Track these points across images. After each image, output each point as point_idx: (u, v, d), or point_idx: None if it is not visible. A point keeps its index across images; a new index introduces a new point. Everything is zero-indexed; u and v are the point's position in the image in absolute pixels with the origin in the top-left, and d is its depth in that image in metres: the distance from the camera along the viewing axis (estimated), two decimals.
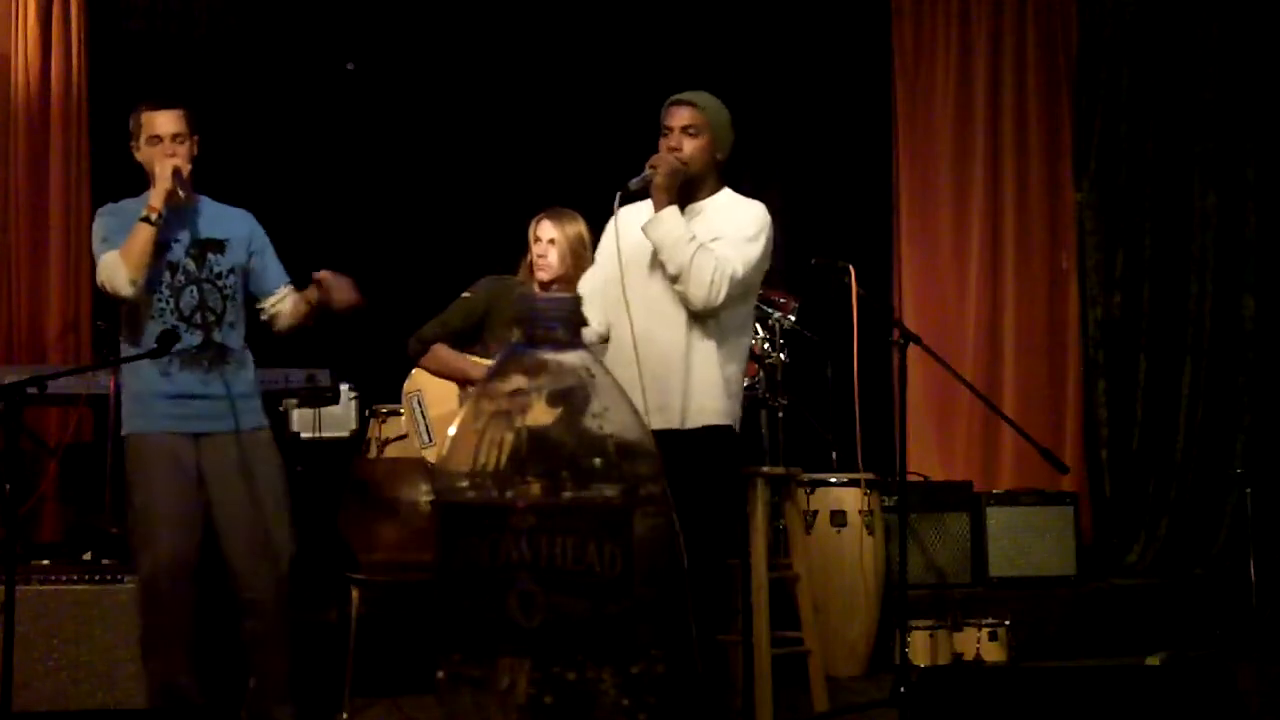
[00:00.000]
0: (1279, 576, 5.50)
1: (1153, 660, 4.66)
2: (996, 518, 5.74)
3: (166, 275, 3.73)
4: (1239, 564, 5.77)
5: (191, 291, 3.75)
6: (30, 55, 5.83)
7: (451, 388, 4.40)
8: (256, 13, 6.28)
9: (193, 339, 3.73)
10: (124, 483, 3.78)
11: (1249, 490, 5.57)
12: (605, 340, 3.56)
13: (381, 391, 5.14)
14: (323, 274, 3.78)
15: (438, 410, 4.48)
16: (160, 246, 3.69)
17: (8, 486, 3.52)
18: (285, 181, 5.92)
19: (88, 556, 4.47)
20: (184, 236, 3.76)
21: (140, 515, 3.71)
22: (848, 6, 6.83)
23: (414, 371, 4.49)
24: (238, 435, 3.77)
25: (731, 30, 6.60)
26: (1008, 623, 5.05)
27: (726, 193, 3.58)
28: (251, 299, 3.91)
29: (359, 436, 5.38)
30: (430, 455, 4.43)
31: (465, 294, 4.39)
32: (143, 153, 3.75)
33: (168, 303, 3.73)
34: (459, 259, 5.02)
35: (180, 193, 3.68)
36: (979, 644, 4.99)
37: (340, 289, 3.77)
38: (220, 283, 3.79)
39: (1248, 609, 5.37)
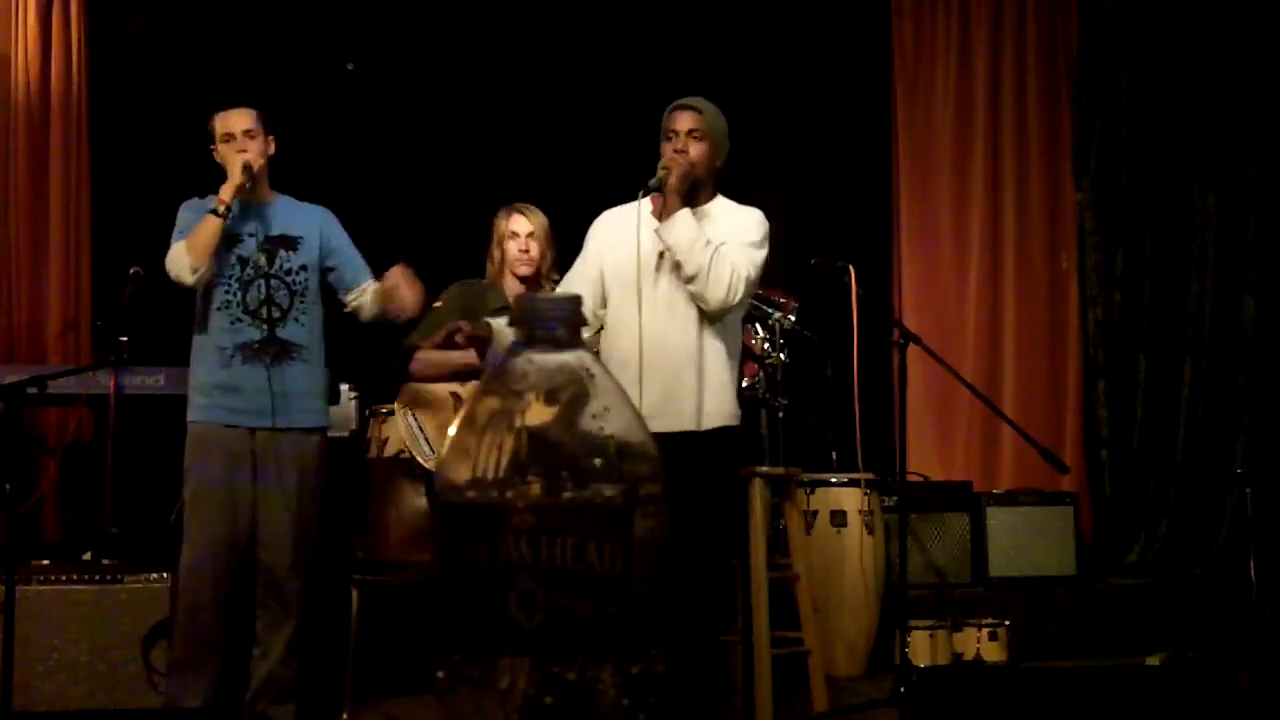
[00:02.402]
0: (1279, 576, 5.50)
1: (1153, 660, 4.66)
2: (996, 518, 5.74)
3: (236, 268, 3.82)
4: (1239, 564, 5.77)
5: (259, 286, 3.83)
6: (30, 55, 5.82)
7: (444, 396, 4.39)
8: (256, 13, 6.28)
9: (256, 333, 3.81)
10: (175, 471, 3.87)
11: (1249, 490, 5.57)
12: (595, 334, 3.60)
13: (381, 391, 5.12)
14: (394, 272, 3.85)
15: (434, 421, 4.46)
16: (232, 239, 3.80)
17: (8, 486, 3.54)
18: (284, 182, 5.91)
19: (88, 556, 4.47)
20: (257, 231, 3.86)
21: (189, 504, 3.80)
22: (848, 6, 6.83)
23: (403, 386, 4.48)
24: (291, 433, 3.83)
25: (731, 30, 6.60)
26: (1008, 623, 5.06)
27: (721, 199, 3.63)
28: (333, 292, 3.99)
29: (359, 436, 5.37)
30: (434, 467, 4.41)
31: (435, 304, 4.39)
32: (219, 152, 3.86)
33: (234, 295, 3.81)
34: (460, 257, 5.01)
35: (249, 184, 3.77)
36: (979, 644, 4.99)
37: (402, 289, 3.83)
38: (289, 279, 3.87)
39: (1248, 609, 5.37)
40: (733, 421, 3.55)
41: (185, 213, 3.86)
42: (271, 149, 3.90)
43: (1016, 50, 6.71)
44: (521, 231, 4.29)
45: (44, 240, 5.82)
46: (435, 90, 6.45)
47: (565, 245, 4.09)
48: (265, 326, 3.82)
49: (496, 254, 4.37)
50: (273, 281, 3.84)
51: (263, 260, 3.84)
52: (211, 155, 3.88)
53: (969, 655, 5.00)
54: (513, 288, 4.35)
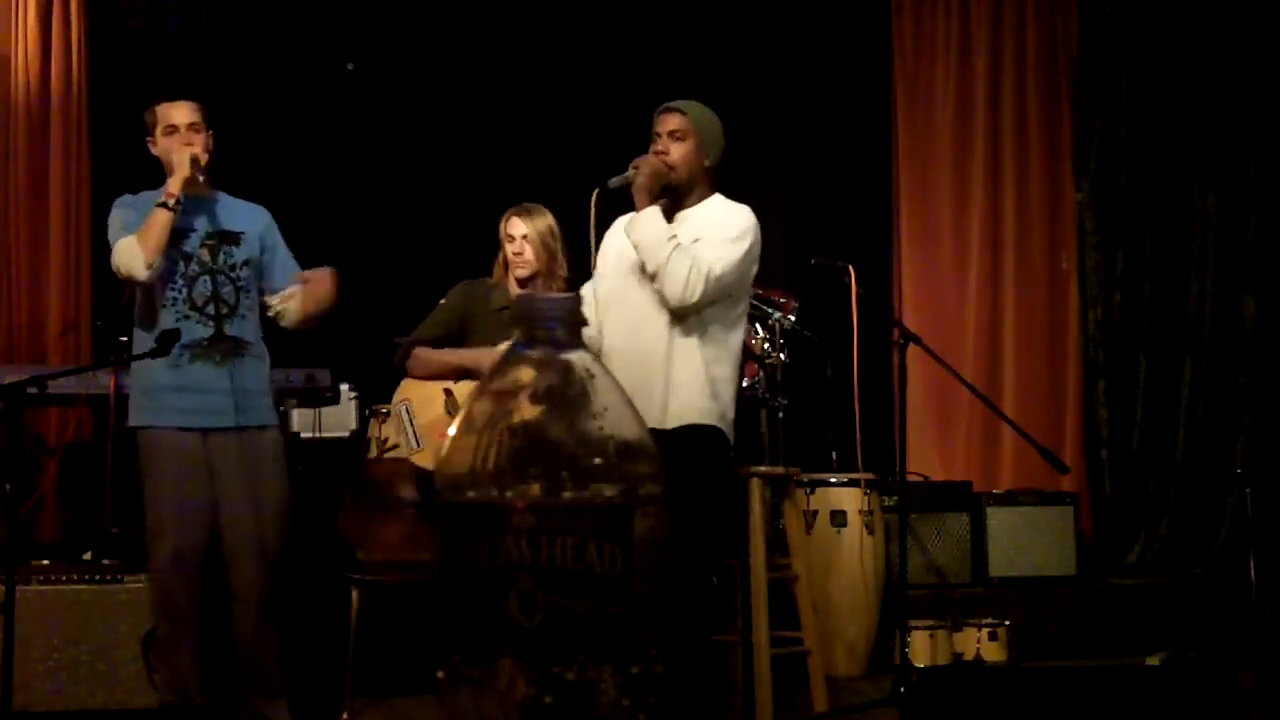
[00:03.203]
0: (1279, 576, 5.49)
1: (1153, 660, 4.66)
2: (996, 518, 5.74)
3: (180, 265, 3.74)
4: (1239, 564, 5.77)
5: (205, 282, 3.76)
6: (30, 55, 5.82)
7: (437, 394, 4.42)
8: (256, 13, 6.28)
9: (204, 330, 3.74)
10: (137, 477, 3.79)
11: (1249, 490, 5.56)
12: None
13: (381, 391, 5.14)
14: (304, 274, 3.82)
15: (424, 417, 4.50)
16: (175, 235, 3.71)
17: (8, 486, 3.53)
18: (284, 181, 5.92)
19: (88, 556, 4.47)
20: (200, 227, 3.79)
21: (151, 510, 3.74)
22: (847, 6, 6.83)
23: (403, 382, 4.51)
24: (246, 431, 3.77)
25: (731, 30, 6.60)
26: (1008, 623, 5.06)
27: (717, 199, 3.61)
28: (259, 294, 3.93)
29: (359, 436, 5.38)
30: (419, 460, 4.45)
31: (441, 301, 4.43)
32: (159, 145, 3.79)
33: (180, 292, 3.74)
34: (461, 257, 5.02)
35: (200, 178, 3.72)
36: (979, 644, 4.99)
37: (313, 290, 3.79)
38: (234, 274, 3.81)
39: (1248, 609, 5.37)
40: (709, 420, 3.46)
41: (124, 211, 3.78)
42: (211, 144, 3.81)
43: (1016, 50, 6.71)
44: (516, 234, 4.31)
45: (44, 240, 5.82)
46: (438, 90, 6.45)
47: (576, 246, 4.08)
48: (213, 323, 3.75)
49: (501, 256, 4.41)
50: (218, 277, 3.78)
51: (206, 256, 3.78)
52: (148, 146, 3.81)
53: (969, 655, 5.00)
54: (515, 289, 4.37)
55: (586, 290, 3.70)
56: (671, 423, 3.42)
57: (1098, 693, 2.63)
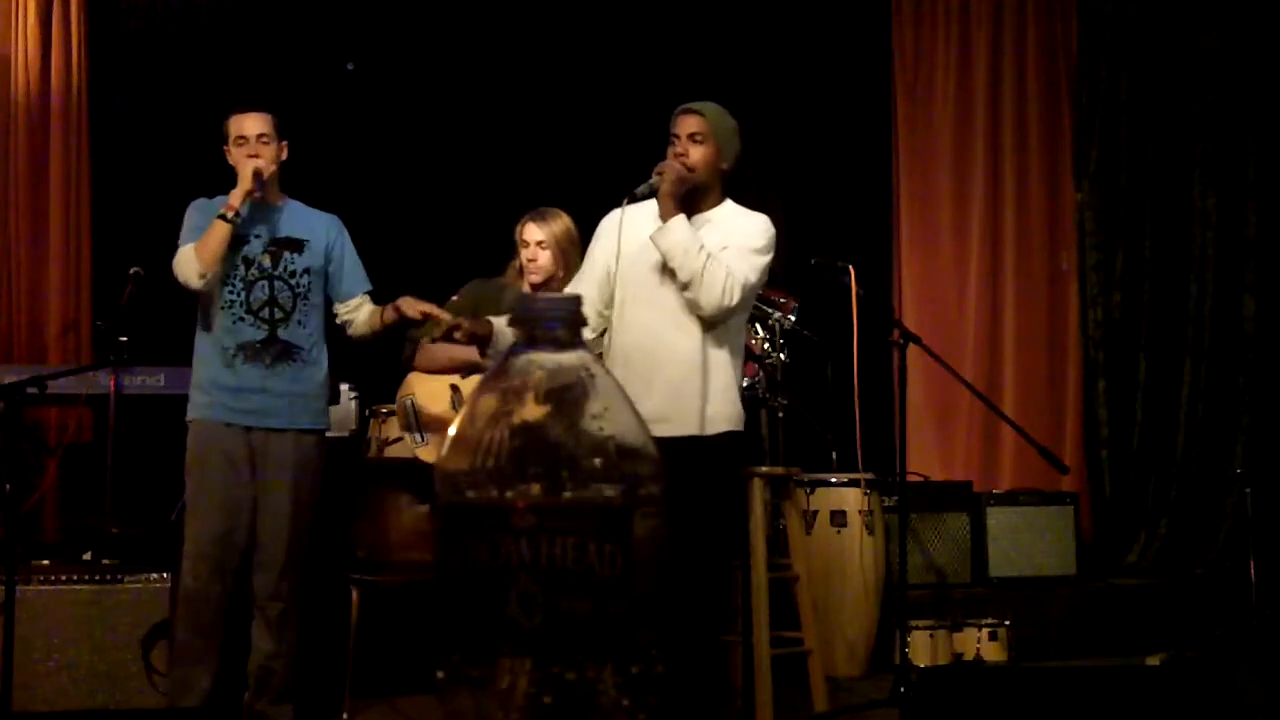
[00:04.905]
0: (1279, 576, 5.50)
1: (1153, 660, 4.66)
2: (996, 518, 5.74)
3: (240, 269, 3.82)
4: (1239, 564, 5.77)
5: (262, 286, 3.83)
6: (30, 55, 5.83)
7: (443, 389, 4.42)
8: (256, 13, 6.28)
9: (258, 333, 3.81)
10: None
11: (1249, 490, 5.57)
12: (599, 338, 3.59)
13: (381, 391, 5.14)
14: (402, 300, 3.85)
15: (429, 411, 4.50)
16: (238, 240, 3.80)
17: (8, 486, 3.54)
18: (283, 182, 5.91)
19: (88, 556, 4.47)
20: (263, 233, 3.87)
21: (190, 501, 3.80)
22: (848, 8, 6.83)
23: (408, 377, 4.52)
24: (291, 434, 3.83)
25: (732, 31, 6.61)
26: (1008, 623, 5.06)
27: (730, 204, 3.61)
28: (328, 302, 3.99)
29: (359, 436, 5.38)
30: (423, 454, 4.45)
31: (452, 298, 4.42)
32: (231, 154, 3.85)
33: (238, 295, 3.82)
34: (461, 257, 5.02)
35: (257, 193, 3.79)
36: (979, 644, 5.00)
37: (413, 305, 3.82)
38: (293, 280, 3.87)
39: (1248, 609, 5.38)
40: (737, 426, 3.53)
41: (194, 214, 3.87)
42: (284, 154, 3.91)
43: (1016, 51, 6.71)
44: (531, 240, 4.28)
45: (44, 240, 5.83)
46: (438, 89, 6.44)
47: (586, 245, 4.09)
48: (267, 327, 3.83)
49: (518, 260, 4.39)
50: (276, 283, 3.85)
51: (267, 261, 3.86)
52: (223, 155, 3.89)
53: (969, 655, 5.00)
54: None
55: (579, 285, 3.69)
56: (710, 429, 3.45)
57: (1098, 693, 2.63)
